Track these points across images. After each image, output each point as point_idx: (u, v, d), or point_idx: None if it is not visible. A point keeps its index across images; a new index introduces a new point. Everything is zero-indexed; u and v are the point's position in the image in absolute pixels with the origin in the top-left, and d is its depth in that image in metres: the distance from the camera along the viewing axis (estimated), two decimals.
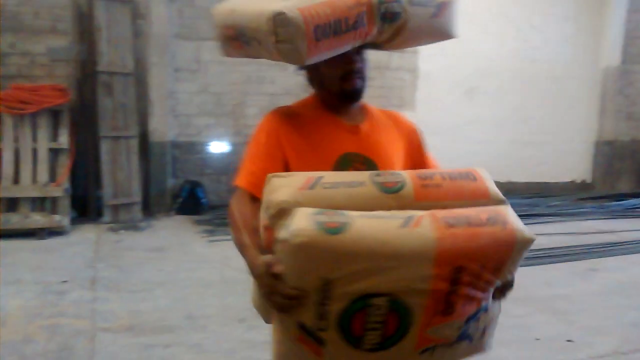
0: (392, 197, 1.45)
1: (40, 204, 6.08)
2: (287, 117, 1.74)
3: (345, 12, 1.55)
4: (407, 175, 1.50)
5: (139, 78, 6.91)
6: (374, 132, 1.76)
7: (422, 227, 1.36)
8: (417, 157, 1.83)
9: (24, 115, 6.23)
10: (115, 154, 6.62)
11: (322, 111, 1.75)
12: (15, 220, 5.84)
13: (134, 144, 6.75)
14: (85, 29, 6.69)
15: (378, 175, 1.50)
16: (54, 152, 6.32)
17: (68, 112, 6.47)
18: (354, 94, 1.72)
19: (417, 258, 1.34)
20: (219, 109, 7.45)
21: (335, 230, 1.31)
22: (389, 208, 1.43)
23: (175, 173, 7.34)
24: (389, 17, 1.61)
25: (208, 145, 7.47)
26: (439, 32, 1.74)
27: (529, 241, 1.43)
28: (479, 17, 8.32)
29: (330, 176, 1.50)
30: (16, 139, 6.20)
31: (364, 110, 1.80)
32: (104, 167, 6.56)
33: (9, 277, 4.52)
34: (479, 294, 1.43)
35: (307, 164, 1.65)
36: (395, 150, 1.77)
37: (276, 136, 1.70)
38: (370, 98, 1.81)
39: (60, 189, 6.11)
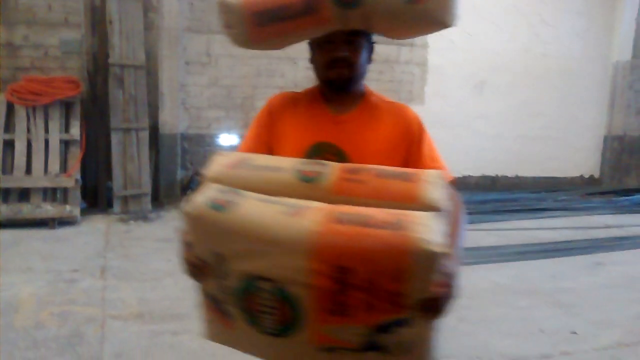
0: (306, 186, 1.46)
1: (51, 194, 6.14)
2: (286, 102, 1.78)
3: None
4: (335, 167, 1.50)
5: (150, 71, 6.96)
6: (360, 124, 1.70)
7: (304, 218, 1.33)
8: (411, 153, 1.71)
9: (36, 107, 6.30)
10: (126, 146, 6.68)
11: (316, 99, 1.75)
12: (27, 210, 5.92)
13: (145, 136, 6.79)
14: (97, 21, 6.74)
15: (304, 163, 1.52)
16: (66, 144, 6.38)
17: (80, 104, 6.53)
18: (339, 82, 1.67)
19: (291, 248, 1.31)
20: (229, 102, 7.50)
21: (220, 207, 1.37)
22: (303, 197, 1.42)
23: (184, 165, 7.40)
24: (347, 3, 1.53)
25: (218, 137, 7.51)
26: (427, 19, 1.58)
27: (431, 254, 1.24)
28: (490, 11, 8.29)
29: (260, 159, 1.56)
30: (28, 130, 6.27)
31: (361, 100, 1.74)
32: (115, 158, 6.62)
33: (21, 266, 4.60)
34: (382, 304, 1.30)
35: (284, 150, 1.70)
36: (381, 145, 1.69)
37: (265, 120, 1.76)
38: (379, 92, 1.81)
39: (71, 180, 6.17)
